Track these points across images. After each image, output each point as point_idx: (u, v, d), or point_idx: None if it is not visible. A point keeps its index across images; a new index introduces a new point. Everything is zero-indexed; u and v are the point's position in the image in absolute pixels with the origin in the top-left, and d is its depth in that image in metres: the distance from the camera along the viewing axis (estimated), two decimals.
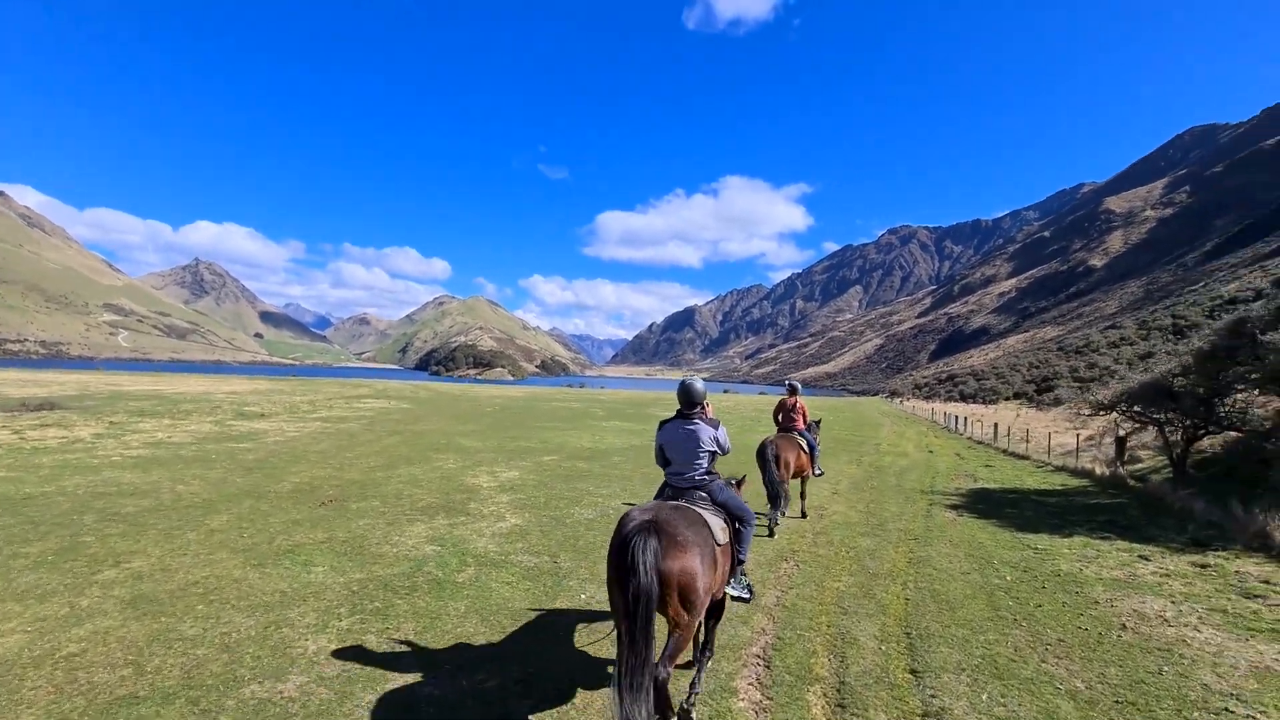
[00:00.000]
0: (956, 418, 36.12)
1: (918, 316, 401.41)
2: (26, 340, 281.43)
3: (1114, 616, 5.58)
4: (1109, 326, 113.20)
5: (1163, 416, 11.60)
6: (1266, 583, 6.53)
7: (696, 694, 4.02)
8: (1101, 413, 13.94)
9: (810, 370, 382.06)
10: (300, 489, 9.84)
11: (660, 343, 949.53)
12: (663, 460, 4.53)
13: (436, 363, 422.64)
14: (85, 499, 8.65)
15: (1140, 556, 7.57)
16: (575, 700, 3.99)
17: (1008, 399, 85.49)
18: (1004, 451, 21.67)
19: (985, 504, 11.22)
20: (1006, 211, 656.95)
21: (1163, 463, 13.68)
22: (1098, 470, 14.18)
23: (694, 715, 3.84)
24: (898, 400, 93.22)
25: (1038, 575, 6.81)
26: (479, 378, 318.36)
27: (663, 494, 4.45)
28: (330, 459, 13.15)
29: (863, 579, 6.53)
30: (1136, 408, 12.33)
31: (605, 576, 3.72)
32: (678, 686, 4.11)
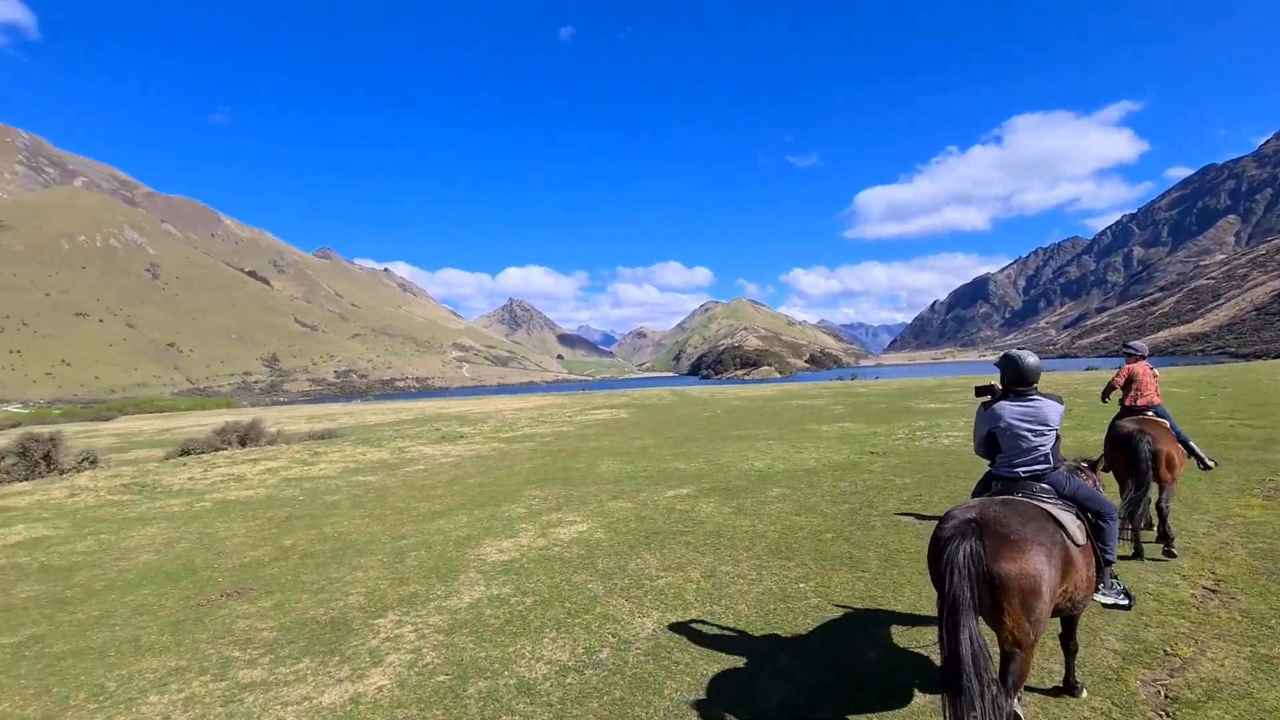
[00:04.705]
0: None
1: None
2: (407, 378, 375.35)
3: None
4: None
5: None
6: None
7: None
8: None
9: (1164, 333, 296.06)
10: (243, 566, 6.99)
11: (946, 322, 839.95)
12: (988, 449, 3.64)
13: (706, 366, 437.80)
14: None
15: None
16: None
17: None
18: None
19: None
20: None
21: None
22: None
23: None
24: None
25: None
26: (745, 378, 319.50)
27: (989, 489, 3.57)
28: (396, 502, 10.58)
29: None
30: None
31: None
32: None
